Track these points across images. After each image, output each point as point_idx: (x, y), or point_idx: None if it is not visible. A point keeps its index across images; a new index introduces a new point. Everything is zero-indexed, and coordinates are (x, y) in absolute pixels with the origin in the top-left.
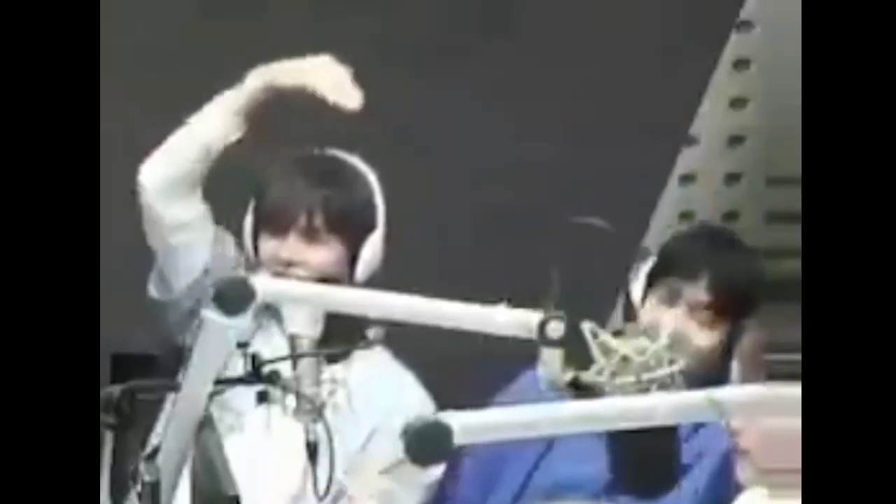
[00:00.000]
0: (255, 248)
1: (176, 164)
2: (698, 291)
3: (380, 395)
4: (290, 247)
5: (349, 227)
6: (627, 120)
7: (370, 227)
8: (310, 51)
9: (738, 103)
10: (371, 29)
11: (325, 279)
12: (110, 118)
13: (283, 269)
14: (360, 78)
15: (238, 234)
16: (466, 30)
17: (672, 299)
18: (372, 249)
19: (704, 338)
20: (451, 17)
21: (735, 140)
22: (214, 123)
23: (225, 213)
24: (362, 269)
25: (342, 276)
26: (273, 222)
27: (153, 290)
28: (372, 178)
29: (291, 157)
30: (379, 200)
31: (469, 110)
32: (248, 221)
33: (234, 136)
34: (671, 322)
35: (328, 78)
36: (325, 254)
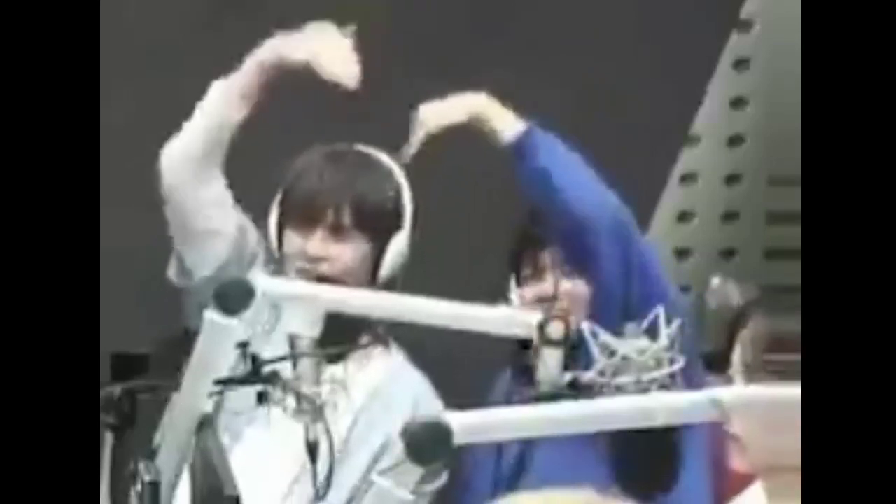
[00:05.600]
0: (280, 243)
1: (190, 143)
2: None
3: (396, 401)
4: (316, 242)
5: (376, 225)
6: (627, 120)
7: (397, 227)
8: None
9: (738, 103)
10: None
11: (347, 277)
12: (111, 117)
13: (308, 264)
14: (365, 74)
15: (263, 229)
16: (466, 30)
17: None
18: (397, 249)
19: None
20: (449, 16)
21: (735, 140)
22: (219, 102)
23: (250, 208)
24: (386, 269)
25: (365, 274)
26: (300, 217)
27: (173, 275)
28: (401, 178)
29: (321, 152)
30: (407, 200)
31: None
32: (274, 215)
33: (240, 114)
34: None
35: (327, 51)
36: (350, 251)
